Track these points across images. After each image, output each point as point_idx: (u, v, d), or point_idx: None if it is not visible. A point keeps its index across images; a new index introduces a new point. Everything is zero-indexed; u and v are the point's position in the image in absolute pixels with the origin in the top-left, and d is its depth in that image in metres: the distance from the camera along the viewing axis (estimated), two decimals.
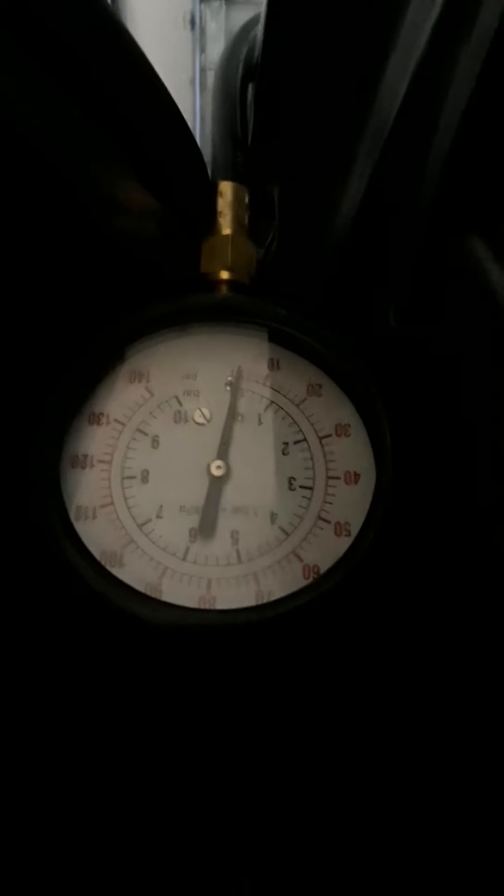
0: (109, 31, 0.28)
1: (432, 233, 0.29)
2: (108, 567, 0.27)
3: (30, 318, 0.31)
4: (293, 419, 0.30)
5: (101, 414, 0.29)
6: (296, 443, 0.29)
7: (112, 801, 0.26)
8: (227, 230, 0.33)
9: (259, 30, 0.35)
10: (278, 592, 0.27)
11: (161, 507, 0.28)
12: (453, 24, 0.26)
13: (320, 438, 0.29)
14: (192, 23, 1.60)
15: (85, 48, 0.27)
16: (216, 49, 1.61)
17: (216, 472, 0.28)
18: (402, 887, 0.25)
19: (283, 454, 0.29)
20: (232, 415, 0.29)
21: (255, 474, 0.29)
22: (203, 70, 1.62)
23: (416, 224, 0.30)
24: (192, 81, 1.61)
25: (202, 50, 1.62)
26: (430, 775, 0.26)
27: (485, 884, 0.25)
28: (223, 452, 0.29)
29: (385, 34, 0.31)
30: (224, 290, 0.32)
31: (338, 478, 0.29)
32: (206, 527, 0.28)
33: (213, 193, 0.33)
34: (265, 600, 0.27)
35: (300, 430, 0.29)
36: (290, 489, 0.29)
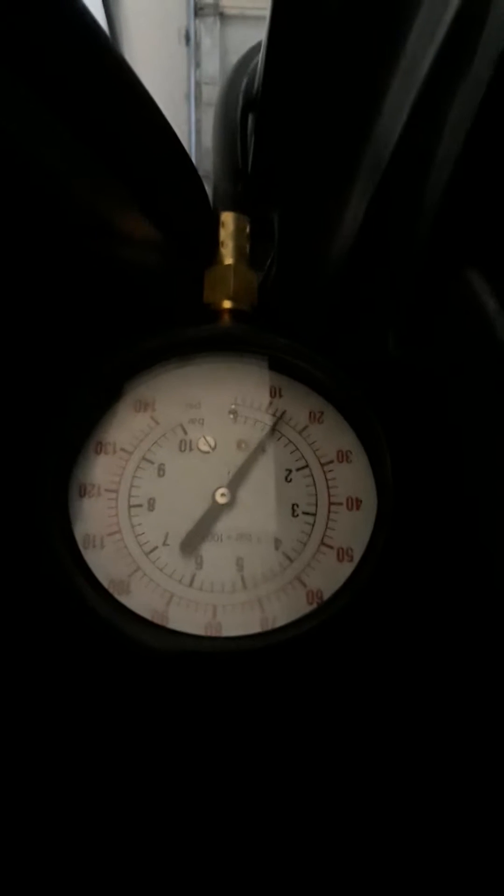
0: (109, 64, 0.28)
1: (430, 262, 0.30)
2: (115, 595, 0.27)
3: (34, 348, 0.31)
4: (296, 446, 0.30)
5: (108, 443, 0.30)
6: (298, 469, 0.30)
7: (119, 825, 0.27)
8: (229, 260, 0.34)
9: (259, 61, 0.36)
10: (283, 618, 0.27)
11: (167, 534, 0.29)
12: (452, 58, 0.27)
13: (322, 465, 0.30)
14: (188, 38, 1.62)
15: (85, 80, 0.28)
16: (211, 64, 1.63)
17: (221, 500, 0.29)
18: None
19: (287, 481, 0.30)
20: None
21: (259, 501, 0.29)
22: (198, 84, 1.64)
23: (414, 253, 0.31)
24: (188, 96, 1.62)
25: (197, 65, 1.64)
26: (432, 801, 0.26)
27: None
28: (230, 480, 0.29)
29: (384, 68, 0.32)
30: (227, 319, 0.32)
31: (340, 503, 0.29)
32: (188, 545, 0.28)
33: (215, 223, 0.34)
34: (270, 626, 0.27)
35: (303, 457, 0.30)
36: (294, 515, 0.29)
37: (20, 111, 0.27)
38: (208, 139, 0.47)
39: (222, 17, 1.63)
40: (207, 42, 1.61)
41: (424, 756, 0.27)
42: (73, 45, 0.27)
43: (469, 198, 0.28)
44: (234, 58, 0.42)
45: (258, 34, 0.42)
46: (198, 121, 1.54)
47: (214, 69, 1.59)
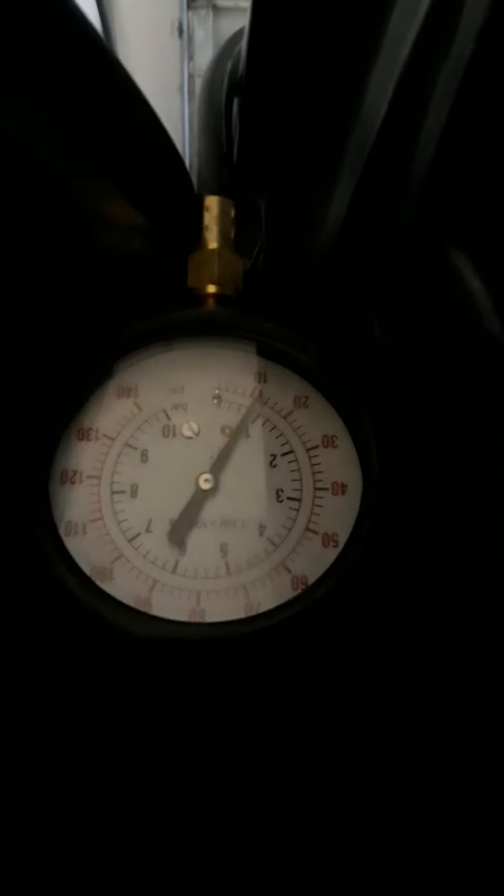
0: (93, 50, 0.28)
1: (415, 245, 0.29)
2: (97, 582, 0.27)
3: (16, 334, 0.31)
4: (281, 431, 0.30)
5: (90, 429, 0.29)
6: (283, 455, 0.30)
7: (107, 813, 0.26)
8: (213, 244, 0.33)
9: (243, 44, 0.35)
10: (267, 604, 0.27)
11: (150, 521, 0.28)
12: (434, 36, 0.26)
13: (308, 450, 0.30)
14: (180, 31, 1.61)
15: (69, 67, 0.28)
16: (204, 56, 1.62)
17: (204, 486, 0.29)
18: None
19: (271, 466, 0.29)
20: (225, 428, 0.29)
21: (244, 487, 0.29)
22: (191, 77, 1.63)
23: (400, 236, 0.31)
24: (181, 88, 1.62)
25: (190, 57, 1.63)
26: (422, 785, 0.26)
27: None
28: (213, 465, 0.29)
29: (367, 47, 0.31)
30: (211, 303, 0.32)
31: (325, 489, 0.29)
32: (176, 534, 0.28)
33: (200, 208, 0.34)
34: (254, 612, 0.27)
35: (287, 442, 0.30)
36: (278, 501, 0.29)
37: (4, 97, 0.27)
38: None
39: (215, 9, 1.62)
40: (200, 34, 1.60)
41: (411, 742, 0.27)
42: (55, 29, 0.27)
43: (452, 177, 0.27)
44: None
45: None
46: (191, 113, 1.53)
47: (207, 61, 1.58)
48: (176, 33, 1.60)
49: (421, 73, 0.27)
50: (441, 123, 0.26)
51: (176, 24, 1.60)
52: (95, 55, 0.28)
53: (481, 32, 0.23)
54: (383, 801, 0.27)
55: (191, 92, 1.55)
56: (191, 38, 1.60)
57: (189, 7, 1.59)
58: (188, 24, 1.60)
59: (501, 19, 0.22)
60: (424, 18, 0.27)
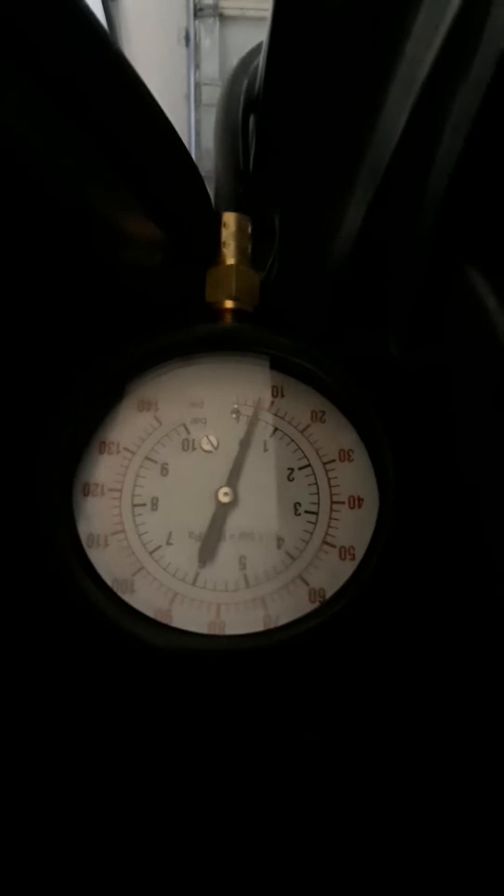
0: (111, 63, 0.29)
1: (431, 262, 0.30)
2: (119, 594, 0.27)
3: (37, 348, 0.32)
4: (298, 445, 0.30)
5: (111, 443, 0.30)
6: (300, 468, 0.30)
7: (122, 823, 0.27)
8: (230, 260, 0.34)
9: (261, 62, 0.36)
10: (285, 617, 0.28)
11: (170, 533, 0.29)
12: (453, 58, 0.27)
13: (324, 464, 0.30)
14: (187, 39, 1.62)
15: (88, 80, 0.28)
16: (211, 65, 1.63)
17: (223, 499, 0.29)
18: None
19: (289, 480, 0.30)
20: (244, 442, 0.30)
21: (262, 500, 0.29)
22: (198, 85, 1.64)
23: (415, 253, 0.31)
24: (188, 97, 1.63)
25: (197, 66, 1.64)
26: (435, 798, 0.27)
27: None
28: (233, 480, 0.29)
29: (385, 68, 0.32)
30: (228, 318, 0.32)
31: (342, 502, 0.29)
32: (206, 552, 0.29)
33: (217, 224, 0.34)
34: (273, 625, 0.27)
35: (304, 456, 0.30)
36: (296, 514, 0.29)
37: (26, 111, 0.27)
38: (208, 140, 0.47)
39: (222, 17, 1.63)
40: (207, 43, 1.61)
41: (426, 754, 0.27)
42: (77, 46, 0.27)
43: (469, 197, 0.28)
44: (233, 59, 0.42)
45: (258, 35, 0.43)
46: (197, 121, 1.54)
47: (214, 70, 1.59)
48: (183, 42, 1.62)
49: (439, 92, 0.28)
50: (460, 143, 0.26)
51: (183, 33, 1.61)
52: (117, 70, 0.28)
53: (503, 56, 0.24)
54: (400, 813, 0.27)
55: (197, 100, 1.56)
56: (197, 47, 1.61)
57: (196, 16, 1.61)
58: (195, 32, 1.61)
59: None
60: (444, 40, 0.27)
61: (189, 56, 1.57)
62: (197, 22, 1.61)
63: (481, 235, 0.29)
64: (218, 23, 1.61)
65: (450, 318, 0.30)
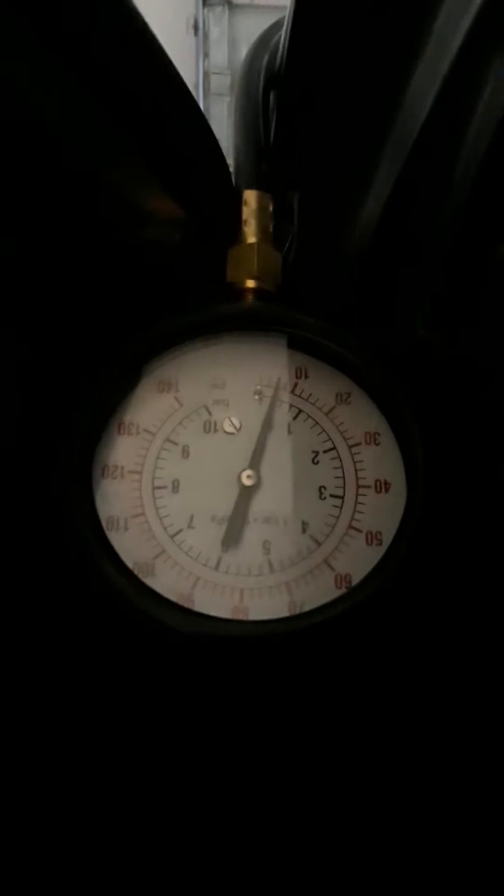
0: (138, 37, 0.28)
1: (463, 241, 0.29)
2: (140, 577, 0.27)
3: (57, 328, 0.31)
4: (322, 428, 0.30)
5: (131, 424, 0.29)
6: (325, 452, 0.29)
7: (139, 810, 0.26)
8: (252, 238, 0.33)
9: (282, 36, 0.35)
10: (311, 603, 0.27)
11: (192, 517, 0.28)
12: (486, 34, 0.26)
13: (350, 447, 0.29)
14: (196, 28, 1.61)
15: (113, 54, 0.27)
16: (219, 54, 1.61)
17: (247, 482, 0.28)
18: None
19: (314, 463, 0.29)
20: (267, 424, 0.29)
21: (286, 484, 0.29)
22: (206, 74, 1.62)
23: (444, 231, 0.30)
24: (196, 86, 1.61)
25: (206, 55, 1.62)
26: (459, 789, 0.26)
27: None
28: (255, 462, 0.29)
29: (412, 40, 0.31)
30: (250, 298, 0.32)
31: (368, 486, 0.29)
32: (231, 536, 0.28)
33: (238, 202, 0.33)
34: (298, 611, 0.27)
35: (329, 439, 0.29)
36: (321, 498, 0.29)
37: (42, 78, 0.26)
38: (218, 129, 0.46)
39: (231, 6, 1.61)
40: (216, 32, 1.59)
41: (451, 741, 0.26)
42: (103, 20, 0.26)
43: None
44: (242, 47, 0.41)
45: (267, 23, 0.41)
46: (206, 110, 1.53)
47: (223, 59, 1.57)
48: (191, 31, 1.60)
49: (474, 62, 0.27)
50: (497, 114, 0.25)
51: (191, 22, 1.59)
52: (144, 45, 0.27)
53: None
54: (418, 803, 0.26)
55: (206, 89, 1.54)
56: (206, 36, 1.59)
57: (205, 4, 1.59)
58: (204, 21, 1.59)
59: None
60: (479, 7, 0.26)
61: (198, 45, 1.56)
62: (206, 10, 1.59)
63: None
64: (227, 11, 1.59)
65: (482, 299, 0.29)
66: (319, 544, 0.28)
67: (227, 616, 0.26)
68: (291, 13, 0.32)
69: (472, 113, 0.28)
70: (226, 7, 1.68)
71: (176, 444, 0.29)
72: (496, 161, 0.26)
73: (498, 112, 0.25)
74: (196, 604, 0.27)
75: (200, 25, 1.70)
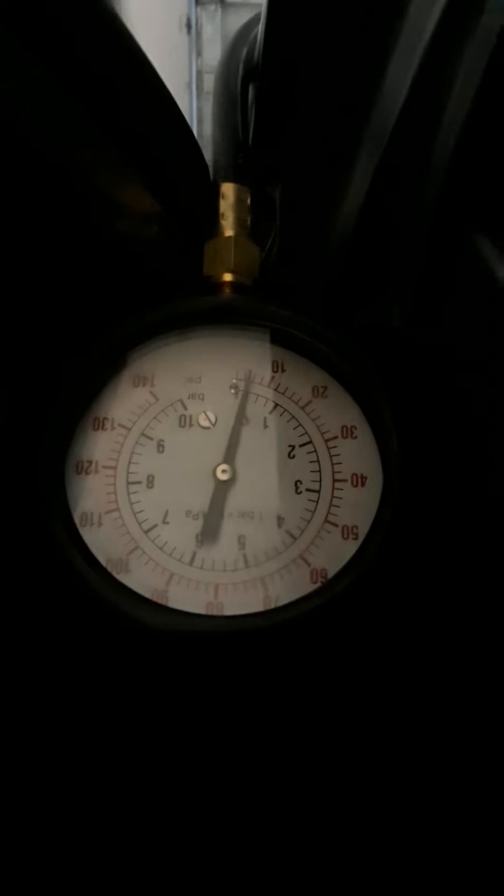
0: (113, 32, 0.28)
1: (436, 232, 0.29)
2: (114, 574, 0.26)
3: (31, 322, 0.31)
4: (298, 422, 0.29)
5: (106, 419, 0.29)
6: (301, 446, 0.29)
7: (116, 808, 0.26)
8: (229, 232, 0.33)
9: (259, 30, 0.35)
10: (286, 597, 0.27)
11: (167, 512, 0.28)
12: (458, 19, 0.26)
13: (326, 441, 0.29)
14: (189, 26, 1.61)
15: (88, 49, 0.27)
16: (212, 52, 1.61)
17: (222, 477, 0.28)
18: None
19: (289, 457, 0.29)
20: (240, 418, 0.29)
21: (261, 478, 0.28)
22: (199, 73, 1.62)
23: (420, 223, 0.30)
24: (189, 85, 1.61)
25: (198, 53, 1.62)
26: (436, 781, 0.26)
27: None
28: (230, 456, 0.28)
29: (386, 32, 0.31)
30: (227, 292, 0.31)
31: (345, 480, 0.28)
32: (209, 531, 0.28)
33: (215, 195, 0.33)
34: (273, 605, 0.26)
35: (306, 433, 0.29)
36: (297, 493, 0.28)
37: (23, 79, 0.26)
38: (210, 127, 0.46)
39: (223, 4, 1.61)
40: (209, 30, 1.59)
41: (426, 737, 0.26)
42: (76, 12, 0.26)
43: (478, 160, 0.27)
44: None
45: None
46: (199, 109, 1.53)
47: (215, 58, 1.57)
48: (184, 29, 1.60)
49: (445, 50, 0.27)
50: (467, 104, 0.25)
51: (184, 20, 1.59)
52: (115, 37, 0.27)
53: None
54: (396, 797, 0.26)
55: (199, 88, 1.54)
56: (199, 34, 1.59)
57: (197, 3, 1.59)
58: (196, 19, 1.59)
59: None
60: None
61: (190, 43, 1.55)
62: (198, 9, 1.59)
63: (490, 201, 0.28)
64: (220, 10, 1.59)
65: (458, 289, 0.28)
66: (295, 539, 0.28)
67: (201, 611, 0.26)
68: (267, 3, 0.32)
69: (444, 102, 0.27)
70: (218, 5, 1.68)
71: (151, 438, 0.29)
72: (471, 144, 0.26)
73: (467, 101, 0.25)
74: (170, 600, 0.27)
75: (193, 24, 1.69)
